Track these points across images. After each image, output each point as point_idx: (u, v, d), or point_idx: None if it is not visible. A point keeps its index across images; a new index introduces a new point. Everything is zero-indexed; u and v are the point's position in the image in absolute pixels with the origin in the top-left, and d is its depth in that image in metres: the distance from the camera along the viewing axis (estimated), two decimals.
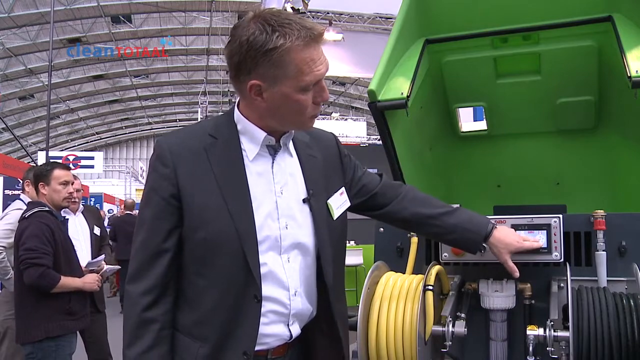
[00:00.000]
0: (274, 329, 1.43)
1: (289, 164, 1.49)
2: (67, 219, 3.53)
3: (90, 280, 3.31)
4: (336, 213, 1.54)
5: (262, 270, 1.38)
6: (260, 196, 1.40)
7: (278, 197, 1.43)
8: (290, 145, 1.51)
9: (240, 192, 1.38)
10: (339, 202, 1.56)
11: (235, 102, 1.49)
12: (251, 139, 1.43)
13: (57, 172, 3.32)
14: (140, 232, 1.40)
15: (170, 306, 1.40)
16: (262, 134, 1.42)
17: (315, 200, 1.49)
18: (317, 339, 1.53)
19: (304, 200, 1.47)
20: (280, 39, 1.27)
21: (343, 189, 1.59)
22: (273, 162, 1.45)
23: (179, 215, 1.38)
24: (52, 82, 11.66)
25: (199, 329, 1.39)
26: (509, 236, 1.72)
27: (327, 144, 1.62)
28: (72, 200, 3.95)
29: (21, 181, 4.11)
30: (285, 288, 1.43)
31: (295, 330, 1.47)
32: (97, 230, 4.21)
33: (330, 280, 1.49)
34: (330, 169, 1.58)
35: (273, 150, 1.46)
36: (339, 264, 1.55)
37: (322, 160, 1.56)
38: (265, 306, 1.39)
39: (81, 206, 4.16)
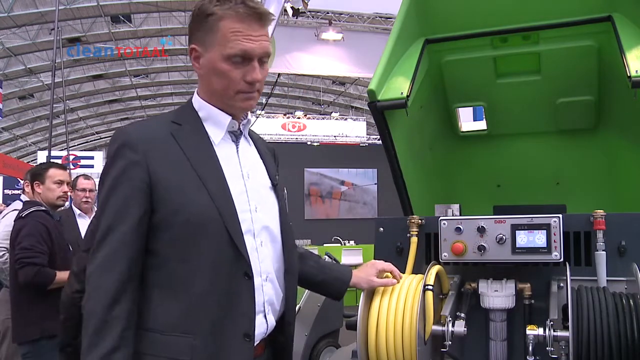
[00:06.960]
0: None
1: (251, 153, 1.54)
2: (61, 217, 3.51)
3: None
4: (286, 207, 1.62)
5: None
6: (230, 178, 1.41)
7: (246, 180, 1.46)
8: (249, 138, 1.56)
9: (215, 172, 1.39)
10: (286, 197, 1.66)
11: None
12: (215, 124, 1.45)
13: (52, 171, 3.33)
14: (104, 222, 1.32)
15: (134, 306, 1.31)
16: (227, 118, 1.45)
17: (279, 189, 1.56)
18: (278, 330, 1.53)
19: (271, 187, 1.53)
20: (217, 7, 1.37)
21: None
22: (237, 148, 1.49)
23: (148, 202, 1.33)
24: (52, 81, 11.58)
25: (189, 321, 1.32)
26: (363, 270, 1.82)
27: (272, 152, 1.69)
28: (85, 200, 3.95)
29: (21, 181, 4.10)
30: (257, 273, 1.42)
31: (271, 320, 1.47)
32: None
33: (294, 268, 1.54)
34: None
35: (235, 136, 1.50)
36: (295, 255, 1.59)
37: (271, 160, 1.64)
38: None
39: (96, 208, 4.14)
